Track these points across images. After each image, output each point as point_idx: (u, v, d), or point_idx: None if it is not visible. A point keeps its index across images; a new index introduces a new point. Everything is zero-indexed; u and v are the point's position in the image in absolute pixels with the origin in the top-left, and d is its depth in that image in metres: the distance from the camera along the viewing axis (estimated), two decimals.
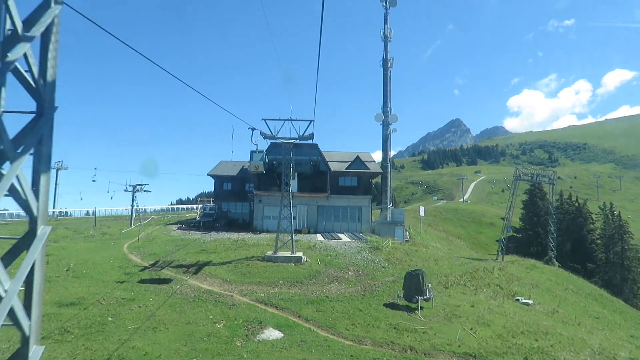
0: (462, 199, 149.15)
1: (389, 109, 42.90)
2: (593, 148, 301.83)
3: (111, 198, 53.77)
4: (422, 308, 19.32)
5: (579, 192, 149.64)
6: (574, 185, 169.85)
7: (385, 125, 42.82)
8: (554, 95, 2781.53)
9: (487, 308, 20.75)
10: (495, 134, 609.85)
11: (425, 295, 19.84)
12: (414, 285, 19.92)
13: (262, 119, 26.99)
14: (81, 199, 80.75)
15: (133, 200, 45.74)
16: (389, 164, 42.44)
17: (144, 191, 47.26)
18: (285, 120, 26.73)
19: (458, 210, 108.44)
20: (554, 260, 37.42)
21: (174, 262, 25.62)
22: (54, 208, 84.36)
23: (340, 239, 32.51)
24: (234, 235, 33.59)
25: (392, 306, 19.63)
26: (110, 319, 16.63)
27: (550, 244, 38.39)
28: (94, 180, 62.64)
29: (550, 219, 38.89)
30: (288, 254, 25.89)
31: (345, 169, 40.11)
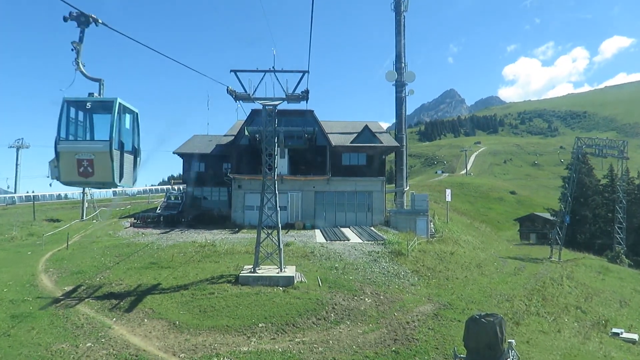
0: (464, 172, 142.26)
1: (403, 65, 33.61)
2: (593, 116, 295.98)
3: (50, 185, 43.35)
4: None
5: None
6: None
7: (399, 85, 33.71)
8: (551, 64, 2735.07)
9: None
10: (490, 103, 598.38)
11: (507, 358, 11.65)
12: (484, 341, 11.39)
13: (231, 71, 17.87)
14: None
15: (84, 188, 36.71)
16: (404, 135, 33.42)
17: None
18: (265, 71, 17.70)
19: (463, 185, 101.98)
20: (623, 257, 29.47)
21: (103, 286, 17.16)
22: (15, 192, 75.31)
23: (348, 240, 24.04)
24: (202, 236, 25.06)
25: None
26: None
27: (617, 236, 30.17)
28: None
29: (617, 203, 30.70)
30: (274, 271, 17.53)
31: (351, 142, 30.96)
